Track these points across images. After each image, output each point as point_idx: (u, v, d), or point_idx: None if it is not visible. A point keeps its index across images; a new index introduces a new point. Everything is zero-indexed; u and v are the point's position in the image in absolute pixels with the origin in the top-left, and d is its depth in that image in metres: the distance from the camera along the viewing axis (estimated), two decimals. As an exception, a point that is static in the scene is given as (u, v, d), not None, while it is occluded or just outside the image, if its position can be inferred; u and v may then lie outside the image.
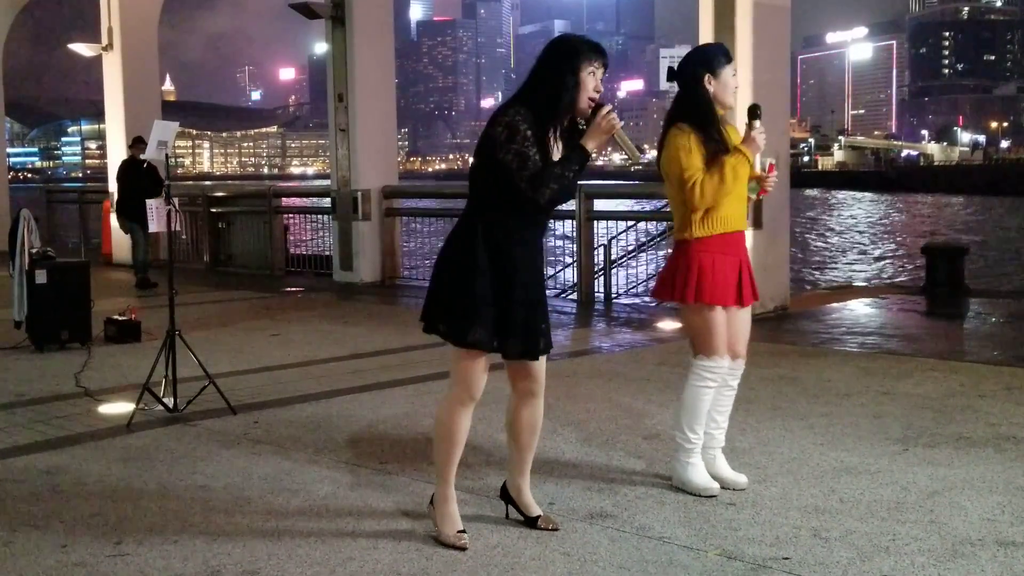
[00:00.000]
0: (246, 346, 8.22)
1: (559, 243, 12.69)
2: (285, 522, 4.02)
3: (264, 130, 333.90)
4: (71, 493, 4.44)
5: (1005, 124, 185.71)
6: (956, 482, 4.43)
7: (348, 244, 12.74)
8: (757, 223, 9.18)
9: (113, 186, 15.86)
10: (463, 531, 3.74)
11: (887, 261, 30.39)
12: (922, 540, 3.75)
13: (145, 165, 12.00)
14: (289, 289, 12.50)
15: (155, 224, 6.44)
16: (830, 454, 4.88)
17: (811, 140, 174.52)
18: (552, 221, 11.86)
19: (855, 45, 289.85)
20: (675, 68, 4.25)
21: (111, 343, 8.30)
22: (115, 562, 3.64)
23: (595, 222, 11.16)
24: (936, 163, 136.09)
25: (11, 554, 3.73)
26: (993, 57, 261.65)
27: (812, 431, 5.31)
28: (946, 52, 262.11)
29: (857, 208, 63.09)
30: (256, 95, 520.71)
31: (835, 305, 10.63)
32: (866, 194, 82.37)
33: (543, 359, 3.78)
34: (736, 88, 4.26)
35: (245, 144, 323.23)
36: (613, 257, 11.42)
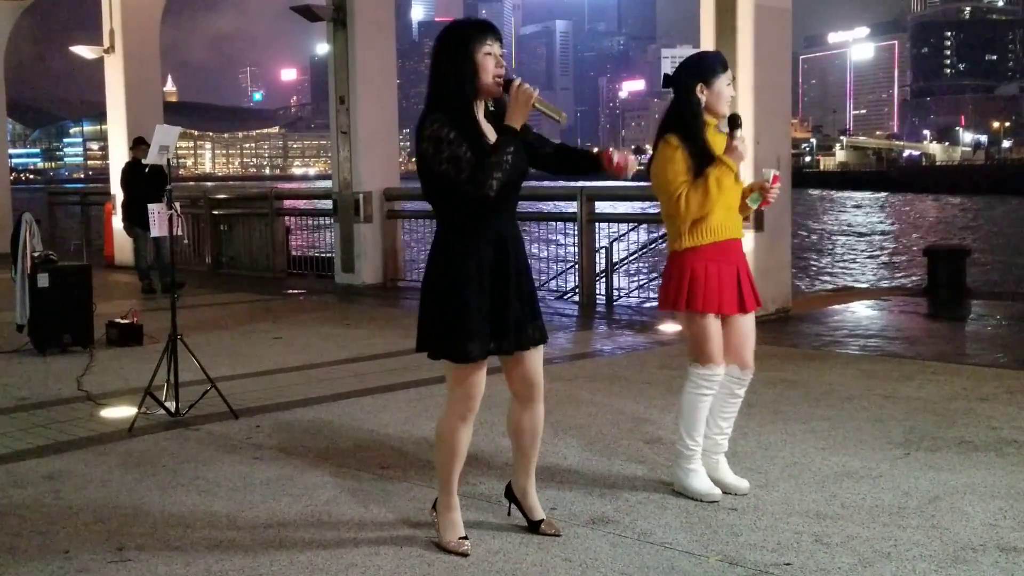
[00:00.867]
0: (248, 349, 8.22)
1: (560, 243, 12.67)
2: (287, 528, 4.03)
3: (266, 131, 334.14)
4: (73, 498, 4.44)
5: (1007, 124, 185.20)
6: (958, 487, 4.43)
7: (350, 246, 12.75)
8: (758, 226, 9.18)
9: (115, 189, 15.91)
10: (465, 537, 3.74)
11: (888, 262, 30.39)
12: (924, 545, 3.74)
13: (147, 168, 11.98)
14: (291, 291, 12.50)
15: (156, 228, 6.44)
16: (832, 458, 4.88)
17: (813, 140, 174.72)
18: (553, 223, 12.03)
19: (857, 45, 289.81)
20: (669, 75, 4.26)
21: (113, 346, 8.31)
22: (117, 568, 3.64)
23: (596, 224, 11.16)
24: (938, 163, 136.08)
25: (14, 560, 3.74)
26: (995, 57, 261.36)
27: (814, 435, 5.31)
28: (948, 52, 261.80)
29: (858, 211, 63.05)
30: (258, 96, 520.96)
31: (837, 307, 10.63)
32: (866, 194, 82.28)
33: (540, 364, 3.77)
34: (732, 98, 4.25)
35: (247, 145, 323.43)
36: (615, 259, 11.41)
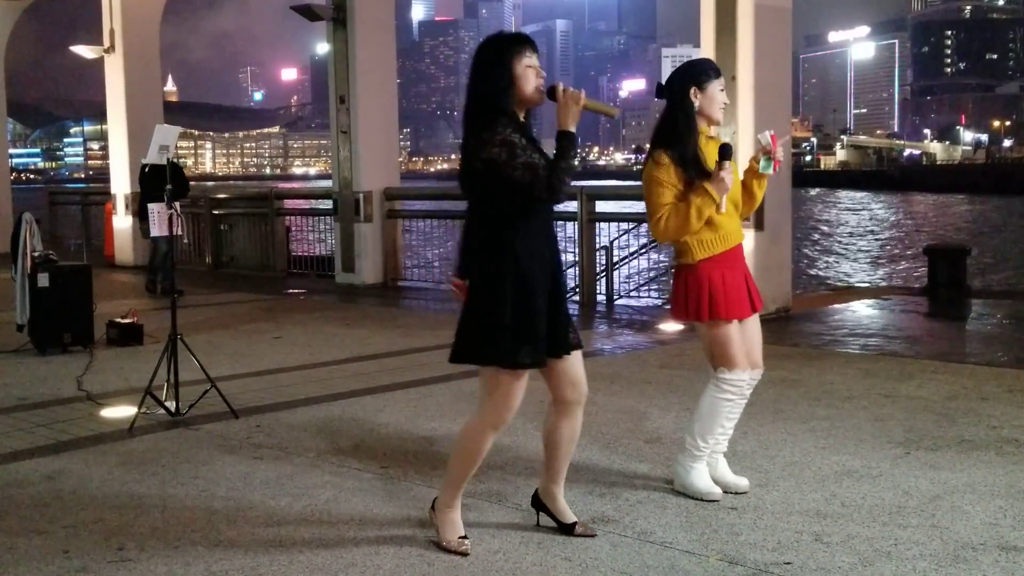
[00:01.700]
0: (248, 349, 8.22)
1: (560, 244, 12.66)
2: (287, 527, 4.03)
3: (266, 130, 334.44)
4: (73, 498, 4.44)
5: (1007, 123, 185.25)
6: (958, 486, 4.43)
7: (350, 246, 12.75)
8: (759, 225, 9.17)
9: (115, 188, 15.91)
10: (465, 536, 3.74)
11: (889, 261, 30.37)
12: (924, 545, 3.74)
13: (147, 168, 11.96)
14: (291, 291, 12.50)
15: (156, 228, 6.44)
16: (832, 458, 4.88)
17: (813, 139, 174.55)
18: (553, 222, 11.98)
19: (857, 44, 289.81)
20: (663, 84, 4.26)
21: (113, 346, 8.31)
22: (117, 568, 3.64)
23: (597, 223, 11.16)
24: (939, 162, 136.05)
25: (14, 560, 3.74)
26: (995, 56, 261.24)
27: (814, 434, 5.31)
28: (948, 51, 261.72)
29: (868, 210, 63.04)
30: (258, 95, 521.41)
31: (837, 306, 10.63)
32: (866, 194, 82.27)
33: (582, 366, 3.81)
34: (725, 104, 4.25)
35: (247, 144, 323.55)
36: (615, 259, 11.41)
